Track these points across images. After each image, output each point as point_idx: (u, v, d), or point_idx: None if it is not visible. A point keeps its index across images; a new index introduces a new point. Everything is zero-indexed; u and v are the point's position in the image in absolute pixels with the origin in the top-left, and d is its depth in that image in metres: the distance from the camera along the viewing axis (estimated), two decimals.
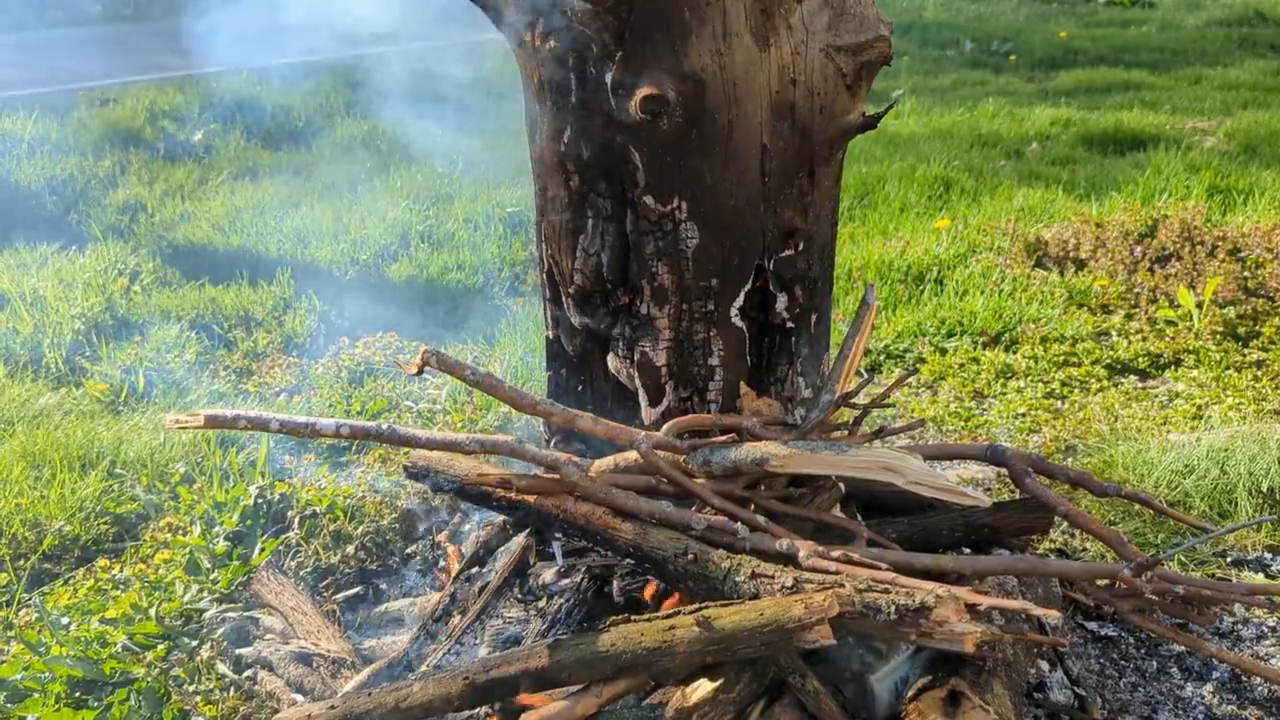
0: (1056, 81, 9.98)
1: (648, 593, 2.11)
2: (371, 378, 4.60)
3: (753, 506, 2.09)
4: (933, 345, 4.52)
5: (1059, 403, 4.00)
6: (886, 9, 8.91)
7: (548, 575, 2.23)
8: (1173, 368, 4.24)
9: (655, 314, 2.16)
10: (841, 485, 2.12)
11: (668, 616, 1.85)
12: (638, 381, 2.23)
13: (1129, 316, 4.70)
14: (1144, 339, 4.46)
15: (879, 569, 1.87)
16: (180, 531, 3.15)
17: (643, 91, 1.94)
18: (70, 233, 6.46)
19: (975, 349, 4.48)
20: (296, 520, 2.97)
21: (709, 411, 2.22)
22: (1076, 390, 4.12)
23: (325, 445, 3.87)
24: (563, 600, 2.18)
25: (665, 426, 2.11)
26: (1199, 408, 3.76)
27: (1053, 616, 1.68)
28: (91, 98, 9.50)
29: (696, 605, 1.85)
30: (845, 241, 5.73)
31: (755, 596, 1.86)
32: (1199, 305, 4.54)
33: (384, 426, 2.05)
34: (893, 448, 2.07)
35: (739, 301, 2.16)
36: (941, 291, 5.04)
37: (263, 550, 2.82)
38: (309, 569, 2.81)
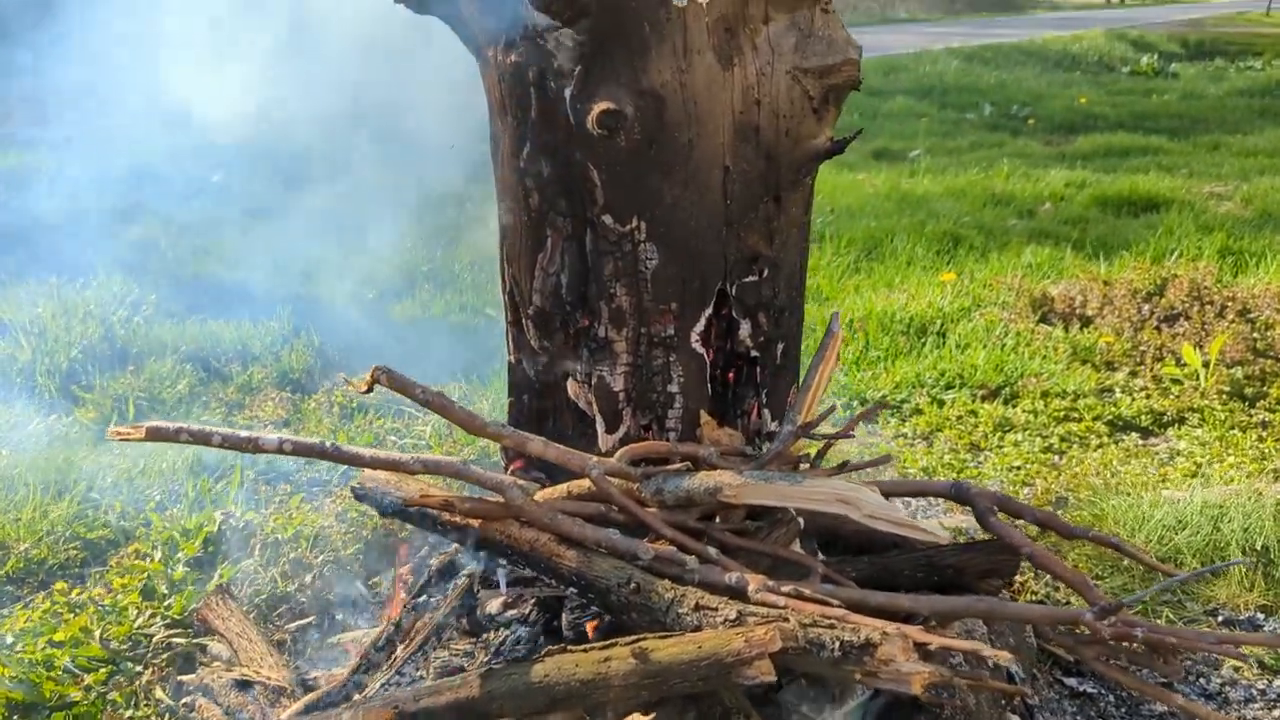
0: (1074, 145, 9.96)
1: (591, 626, 2.02)
2: (362, 414, 4.57)
3: (706, 539, 2.01)
4: (930, 397, 4.44)
5: (1057, 457, 3.90)
6: (908, 74, 8.96)
7: (494, 605, 2.15)
8: (1176, 426, 4.13)
9: (613, 337, 2.10)
10: (800, 520, 2.04)
11: (604, 647, 1.77)
12: (595, 407, 2.16)
13: (1133, 374, 4.60)
14: (1148, 396, 4.36)
15: (830, 605, 1.79)
16: (145, 557, 3.09)
17: (599, 106, 1.90)
18: (81, 266, 6.49)
19: (974, 401, 4.39)
20: (258, 547, 2.91)
21: (668, 440, 2.15)
22: (1076, 446, 4.01)
23: (305, 476, 3.82)
24: (509, 632, 2.10)
25: (619, 453, 2.04)
26: (1198, 466, 3.65)
27: (1003, 658, 1.59)
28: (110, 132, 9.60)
29: (634, 636, 1.76)
30: (849, 293, 5.68)
31: (698, 629, 1.78)
32: (1205, 364, 4.44)
33: (328, 444, 1.99)
34: (850, 481, 1.99)
35: (699, 326, 2.09)
36: (943, 344, 4.96)
37: (220, 576, 2.75)
38: (264, 596, 2.74)
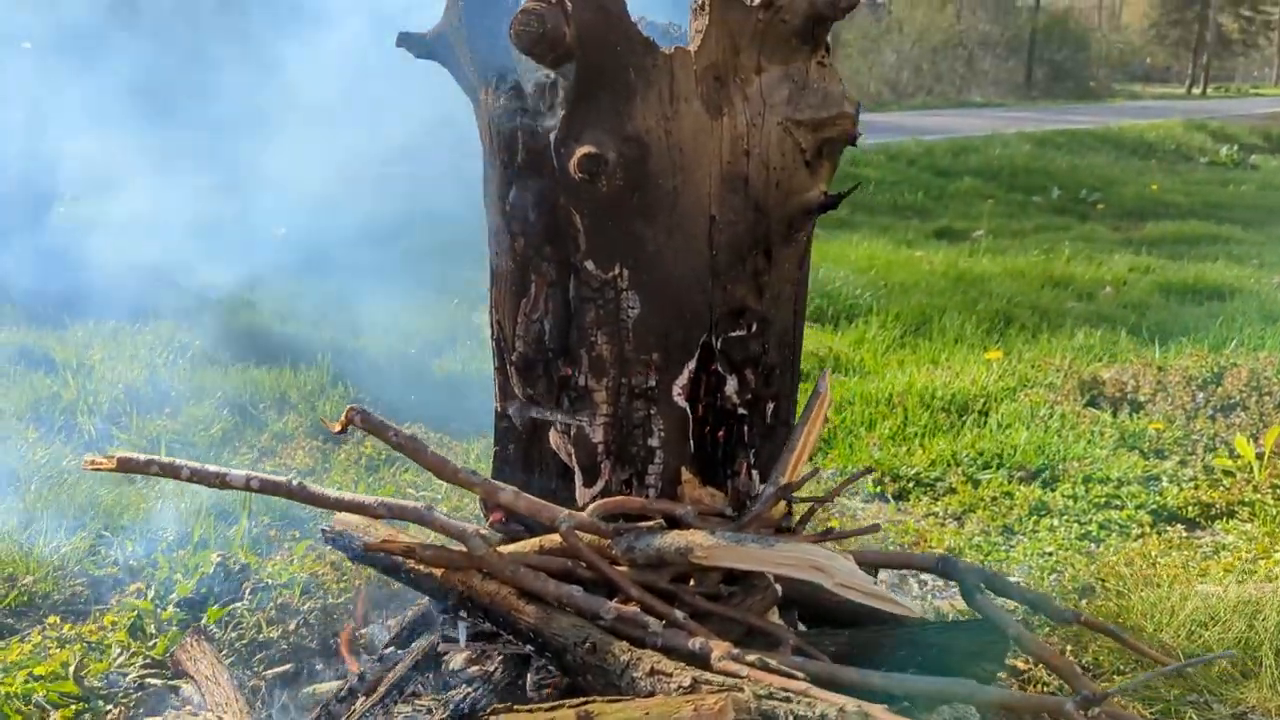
0: (1143, 231, 9.76)
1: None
2: (389, 466, 4.54)
3: (676, 601, 1.92)
4: (966, 476, 4.28)
5: (1093, 545, 3.72)
6: (978, 155, 8.82)
7: (458, 661, 2.07)
8: (1224, 519, 3.93)
9: (593, 386, 2.04)
10: (778, 588, 1.94)
11: (549, 709, 1.68)
12: (574, 459, 2.10)
13: (1183, 463, 4.40)
14: (1196, 487, 4.16)
15: (795, 678, 1.68)
16: (142, 596, 3.07)
17: (581, 150, 1.87)
18: (139, 311, 6.61)
19: (1011, 483, 4.22)
20: (248, 591, 2.88)
21: (648, 497, 2.07)
22: (1115, 534, 3.83)
23: (317, 525, 3.79)
24: (470, 690, 2.02)
25: (591, 507, 1.97)
26: (1241, 560, 3.45)
27: None
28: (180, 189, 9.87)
29: (581, 699, 1.68)
30: (892, 367, 5.56)
31: (653, 694, 1.68)
32: (1259, 456, 4.23)
33: (294, 483, 1.96)
34: (827, 548, 1.89)
35: (682, 380, 2.03)
36: (984, 423, 4.81)
37: (206, 618, 2.72)
38: (246, 641, 2.69)
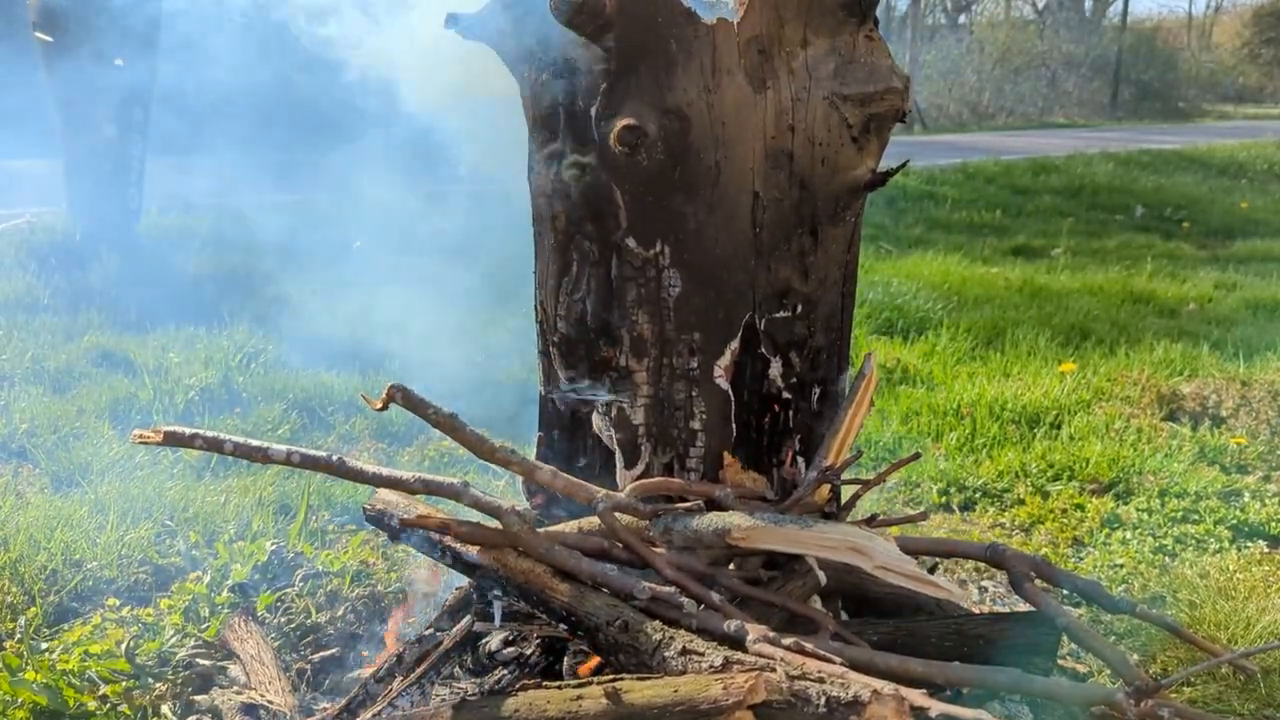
0: (1231, 249, 9.44)
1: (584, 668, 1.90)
2: (450, 468, 4.56)
3: (715, 585, 1.87)
4: (1034, 487, 4.16)
5: (1168, 559, 3.57)
6: (1059, 175, 8.62)
7: (495, 643, 2.05)
8: None
9: (634, 366, 2.01)
10: (821, 574, 1.89)
11: (578, 685, 1.65)
12: (614, 441, 2.07)
13: (1266, 478, 4.22)
14: None
15: (832, 662, 1.63)
16: (199, 581, 3.12)
17: (621, 122, 1.85)
18: (217, 318, 6.76)
19: (1082, 495, 4.09)
20: (299, 578, 2.90)
21: (689, 480, 2.03)
22: (1191, 548, 3.67)
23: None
24: (505, 672, 1.99)
25: (629, 488, 1.94)
26: None
27: None
28: (263, 204, 10.10)
29: (611, 677, 1.64)
30: (961, 379, 5.44)
31: (684, 674, 1.64)
32: None
33: (333, 458, 1.96)
34: (867, 531, 1.83)
35: (725, 361, 1.99)
36: (1055, 436, 4.67)
37: (257, 603, 2.74)
38: (294, 626, 2.71)
